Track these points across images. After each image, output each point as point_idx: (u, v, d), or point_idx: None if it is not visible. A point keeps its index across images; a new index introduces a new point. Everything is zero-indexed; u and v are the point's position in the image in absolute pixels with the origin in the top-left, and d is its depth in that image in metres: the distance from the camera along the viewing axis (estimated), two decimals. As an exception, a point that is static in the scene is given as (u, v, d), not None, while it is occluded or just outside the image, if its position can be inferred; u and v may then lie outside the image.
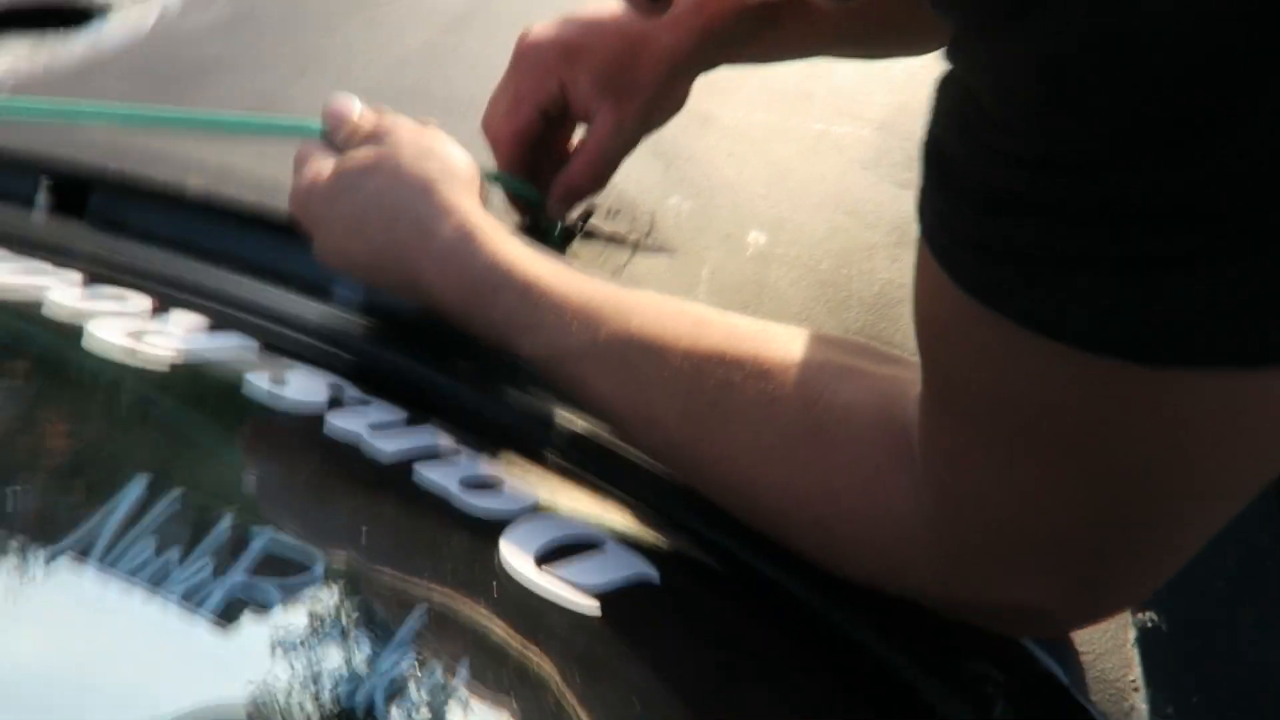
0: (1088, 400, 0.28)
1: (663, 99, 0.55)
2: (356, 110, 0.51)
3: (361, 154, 0.48)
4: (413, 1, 0.88)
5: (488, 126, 0.57)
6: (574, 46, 0.54)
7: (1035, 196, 0.25)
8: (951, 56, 0.27)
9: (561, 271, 0.43)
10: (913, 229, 0.31)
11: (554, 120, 0.57)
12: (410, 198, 0.45)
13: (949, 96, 0.28)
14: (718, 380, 0.38)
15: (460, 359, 0.49)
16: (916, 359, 0.34)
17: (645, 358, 0.39)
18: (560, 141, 0.59)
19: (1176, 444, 0.28)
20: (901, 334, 0.56)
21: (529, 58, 0.55)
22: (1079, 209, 0.25)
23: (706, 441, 0.38)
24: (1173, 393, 0.27)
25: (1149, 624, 0.42)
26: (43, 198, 0.59)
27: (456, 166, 0.47)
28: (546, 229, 0.59)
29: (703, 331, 0.40)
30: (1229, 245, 0.23)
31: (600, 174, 0.56)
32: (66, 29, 0.81)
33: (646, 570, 0.36)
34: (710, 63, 0.56)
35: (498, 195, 0.58)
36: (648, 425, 0.40)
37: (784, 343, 0.39)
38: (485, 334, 0.44)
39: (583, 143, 0.56)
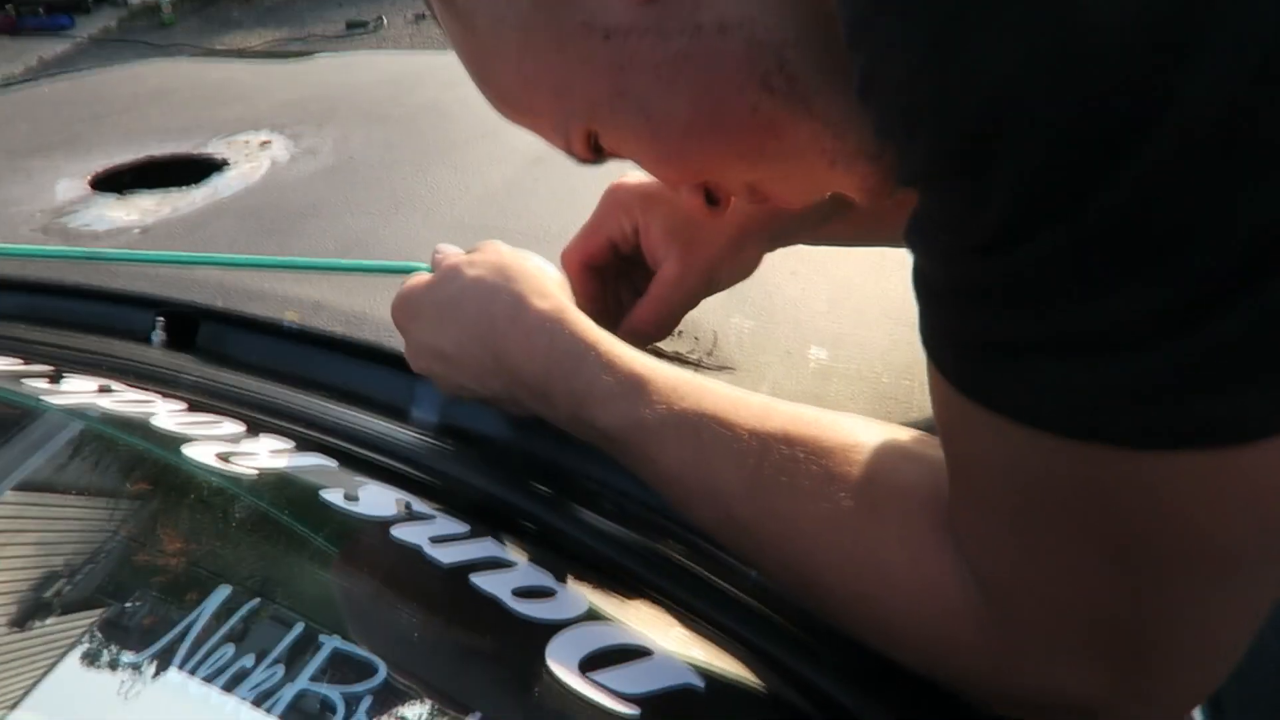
0: (1081, 480, 0.29)
1: (729, 261, 0.58)
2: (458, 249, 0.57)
3: (462, 256, 0.53)
4: (495, 144, 0.95)
5: (564, 253, 0.61)
6: (655, 195, 0.58)
7: (988, 283, 0.28)
8: (901, 179, 0.29)
9: (640, 354, 0.47)
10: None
11: (634, 261, 0.61)
12: (506, 282, 0.50)
13: (916, 221, 0.30)
14: (783, 456, 0.40)
15: (524, 474, 0.52)
16: None
17: (716, 433, 0.42)
18: (643, 280, 0.62)
19: (1175, 518, 0.29)
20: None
21: (613, 196, 0.60)
22: (1022, 290, 0.27)
23: (769, 514, 0.40)
24: (1155, 471, 0.28)
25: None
26: (158, 332, 0.65)
27: (549, 267, 0.52)
28: None
29: (770, 414, 0.42)
30: (1162, 323, 0.25)
31: (661, 320, 0.59)
32: (190, 183, 0.90)
33: (691, 678, 0.36)
34: (784, 238, 0.60)
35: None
36: (714, 498, 0.42)
37: (846, 427, 0.41)
38: (563, 405, 0.47)
39: (648, 289, 0.60)
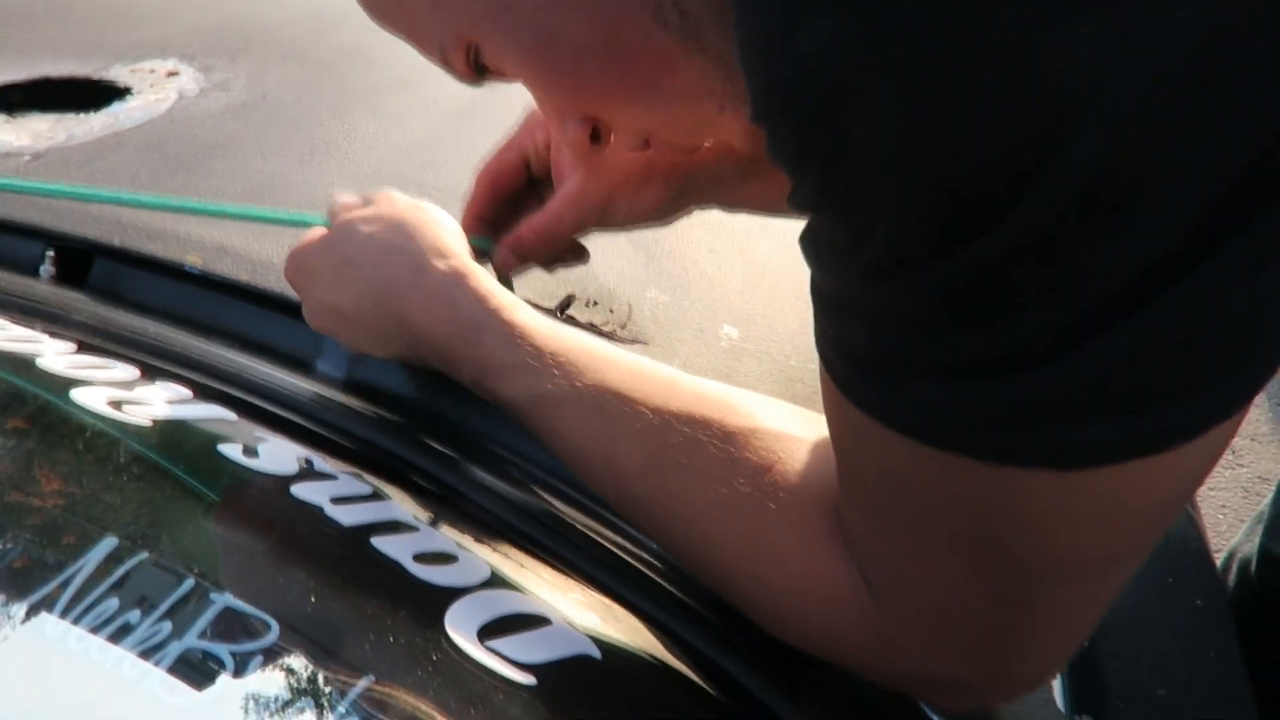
0: (948, 488, 0.31)
1: (631, 193, 0.56)
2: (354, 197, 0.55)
3: (357, 210, 0.51)
4: (417, 93, 0.93)
5: (478, 170, 0.59)
6: None
7: (869, 307, 0.29)
8: (792, 204, 0.30)
9: (544, 321, 0.46)
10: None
11: (542, 186, 0.59)
12: (403, 238, 0.48)
13: (809, 235, 0.31)
14: (684, 437, 0.40)
15: (432, 436, 0.51)
16: None
17: (618, 409, 0.42)
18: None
19: (1031, 528, 0.31)
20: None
21: (530, 117, 0.58)
22: (898, 318, 0.28)
23: (667, 493, 0.41)
24: (1013, 485, 0.30)
25: (1085, 726, 0.43)
26: (47, 266, 0.61)
27: (446, 220, 0.51)
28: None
29: (673, 391, 0.42)
30: (1021, 358, 0.27)
31: (549, 234, 0.57)
32: (88, 109, 0.85)
33: (588, 648, 0.37)
34: (695, 193, 0.58)
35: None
36: (614, 473, 0.42)
37: (748, 409, 0.42)
38: (466, 372, 0.46)
39: (546, 204, 0.58)
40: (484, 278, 0.48)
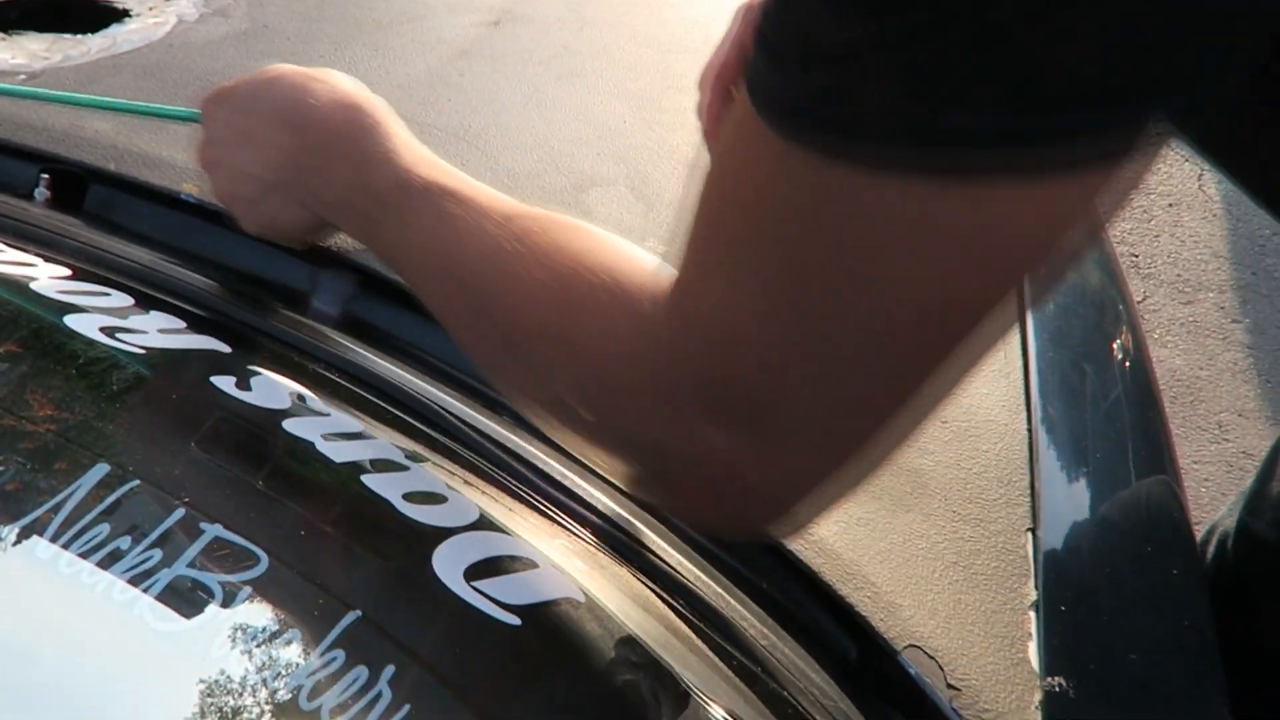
0: (793, 195, 0.30)
1: None
2: None
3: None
4: (421, 30, 0.91)
5: (701, 73, 0.59)
6: None
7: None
8: None
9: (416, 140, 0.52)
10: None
11: None
12: (323, 76, 0.54)
13: None
14: (520, 228, 0.44)
15: (426, 377, 0.51)
16: None
17: (471, 207, 0.46)
18: None
19: (868, 254, 0.30)
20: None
21: (745, 8, 0.58)
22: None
23: (498, 272, 0.43)
24: (859, 191, 0.29)
25: (1057, 688, 0.44)
26: (41, 189, 0.61)
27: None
28: None
29: (525, 208, 0.46)
30: (879, 37, 0.26)
31: None
32: (85, 29, 0.84)
33: (572, 591, 0.38)
34: None
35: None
36: (452, 264, 0.45)
37: (585, 226, 0.44)
38: (345, 170, 0.51)
39: None
40: (386, 109, 0.53)
